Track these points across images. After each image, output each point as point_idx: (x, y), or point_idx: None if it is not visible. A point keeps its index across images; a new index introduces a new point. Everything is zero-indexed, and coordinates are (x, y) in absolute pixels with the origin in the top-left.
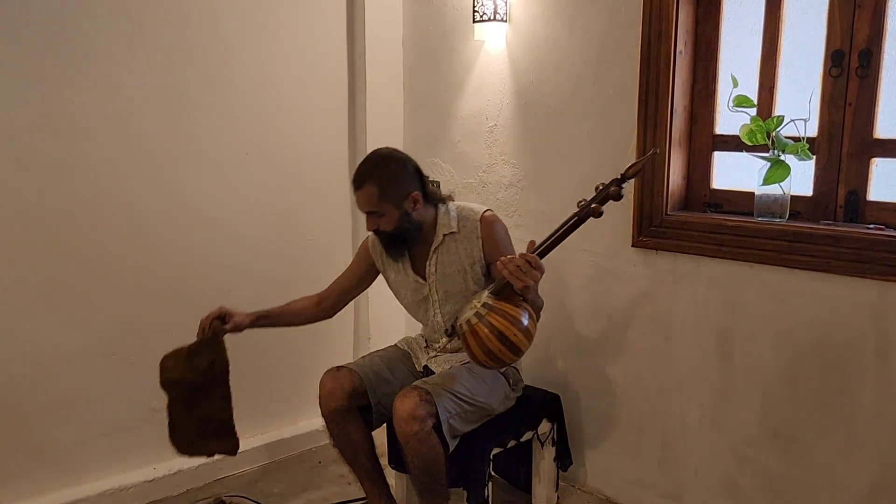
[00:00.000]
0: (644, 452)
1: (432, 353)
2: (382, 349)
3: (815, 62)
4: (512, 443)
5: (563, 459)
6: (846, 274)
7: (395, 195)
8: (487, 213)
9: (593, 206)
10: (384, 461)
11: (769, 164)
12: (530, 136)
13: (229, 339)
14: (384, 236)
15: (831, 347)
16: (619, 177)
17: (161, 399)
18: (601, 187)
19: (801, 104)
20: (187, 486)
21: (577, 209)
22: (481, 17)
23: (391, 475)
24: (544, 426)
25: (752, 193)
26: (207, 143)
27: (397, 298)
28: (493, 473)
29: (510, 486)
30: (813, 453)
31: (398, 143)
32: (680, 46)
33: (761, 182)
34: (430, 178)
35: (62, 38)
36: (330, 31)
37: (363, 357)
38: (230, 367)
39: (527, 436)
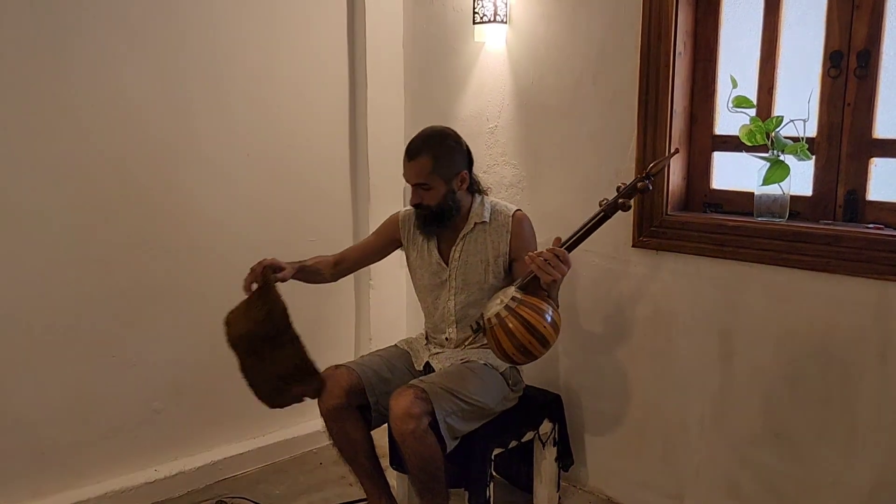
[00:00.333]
0: (645, 452)
1: (434, 350)
2: (382, 349)
3: (814, 63)
4: (513, 443)
5: (565, 460)
6: (846, 273)
7: (446, 170)
8: (519, 212)
9: (621, 200)
10: (385, 462)
11: (769, 165)
12: (530, 137)
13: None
14: (425, 211)
15: (832, 347)
16: (643, 174)
17: (162, 400)
18: (622, 186)
19: (800, 105)
20: (189, 488)
21: (599, 208)
22: (481, 18)
23: (392, 476)
24: (545, 426)
25: (752, 194)
26: (208, 144)
27: (413, 279)
28: (494, 474)
29: (511, 486)
30: (814, 453)
31: (399, 145)
32: (679, 47)
33: (761, 182)
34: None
35: (62, 38)
36: (331, 32)
37: (362, 356)
38: (289, 311)
39: (528, 436)
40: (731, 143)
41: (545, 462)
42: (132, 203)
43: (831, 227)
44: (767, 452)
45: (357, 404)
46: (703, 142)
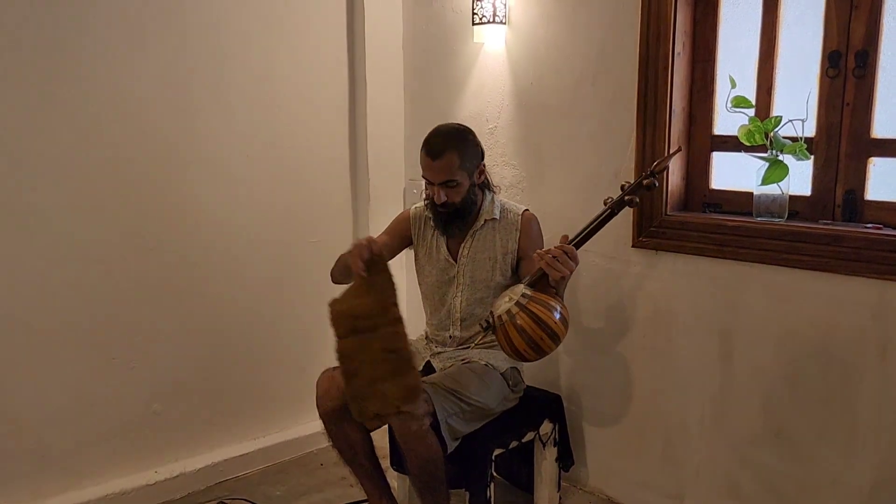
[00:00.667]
0: (645, 452)
1: (435, 349)
2: None
3: (813, 63)
4: (513, 443)
5: (565, 460)
6: (846, 273)
7: (470, 165)
8: (528, 212)
9: (628, 197)
10: (386, 463)
11: (768, 165)
12: (530, 138)
13: (226, 339)
14: (450, 209)
15: (832, 346)
16: (648, 171)
17: (162, 402)
18: (627, 185)
19: (798, 104)
20: (189, 490)
21: (604, 206)
22: (480, 19)
23: (393, 476)
24: (546, 427)
25: (751, 193)
26: (209, 144)
27: (419, 277)
28: (494, 474)
29: (512, 486)
30: (814, 452)
31: (398, 145)
32: (678, 48)
33: (760, 182)
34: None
35: (64, 39)
36: (330, 34)
37: None
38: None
39: (528, 436)
40: (730, 143)
41: (545, 462)
42: (133, 204)
43: (830, 226)
44: (767, 452)
45: None
46: (703, 142)
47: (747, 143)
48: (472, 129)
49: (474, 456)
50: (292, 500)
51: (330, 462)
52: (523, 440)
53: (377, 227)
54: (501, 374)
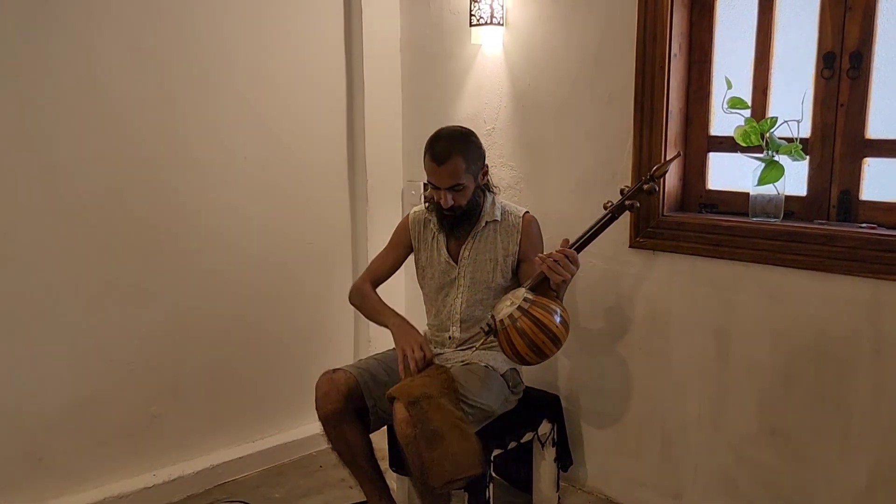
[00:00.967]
0: (643, 452)
1: (435, 350)
2: (381, 352)
3: (808, 64)
4: (512, 444)
5: (564, 460)
6: (840, 272)
7: (475, 167)
8: (529, 214)
9: (628, 202)
10: (385, 464)
11: (763, 165)
12: (528, 139)
13: (224, 341)
14: (457, 213)
15: (827, 345)
16: (647, 176)
17: (160, 404)
18: (626, 189)
19: (794, 105)
20: (188, 493)
21: (604, 210)
22: (478, 20)
23: (392, 478)
24: (544, 427)
25: (747, 194)
26: (205, 148)
27: (420, 280)
28: (493, 474)
29: (511, 486)
30: (810, 450)
31: (396, 147)
32: (675, 49)
33: (756, 182)
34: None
35: (53, 39)
36: (328, 35)
37: (360, 360)
38: None
39: (527, 437)
40: (727, 144)
41: (544, 462)
42: (130, 207)
43: (825, 226)
44: (764, 450)
45: (355, 408)
46: (699, 143)
47: (743, 144)
48: (473, 130)
49: None
50: (291, 503)
51: (329, 464)
52: (522, 440)
53: (375, 228)
54: (501, 375)
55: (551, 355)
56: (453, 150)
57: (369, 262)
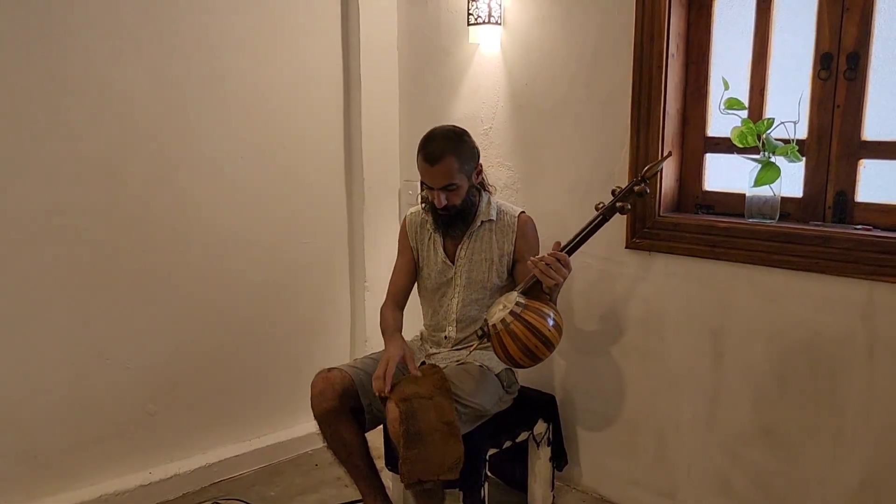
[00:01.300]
0: (638, 451)
1: (431, 350)
2: (377, 352)
3: (805, 65)
4: (507, 443)
5: (559, 459)
6: (835, 274)
7: (468, 166)
8: (524, 214)
9: (619, 204)
10: (381, 463)
11: (760, 166)
12: (525, 139)
13: (221, 340)
14: (451, 212)
15: (821, 346)
16: (638, 178)
17: (156, 402)
18: (618, 190)
19: (790, 107)
20: (183, 490)
21: (596, 212)
22: (476, 20)
23: (387, 477)
24: (539, 426)
25: (743, 195)
26: (203, 146)
27: (418, 280)
28: (488, 474)
29: (506, 486)
30: (803, 450)
31: (394, 146)
32: (672, 49)
33: (752, 184)
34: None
35: (55, 40)
36: (325, 34)
37: (356, 359)
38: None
39: (522, 436)
40: (723, 145)
41: (539, 462)
42: (125, 205)
43: (821, 228)
44: (757, 450)
45: (350, 407)
46: (696, 143)
47: (740, 145)
48: (467, 130)
49: (468, 456)
50: (287, 501)
51: (325, 462)
52: (517, 440)
53: (372, 227)
54: (496, 375)
55: (544, 359)
56: (446, 149)
57: (366, 261)
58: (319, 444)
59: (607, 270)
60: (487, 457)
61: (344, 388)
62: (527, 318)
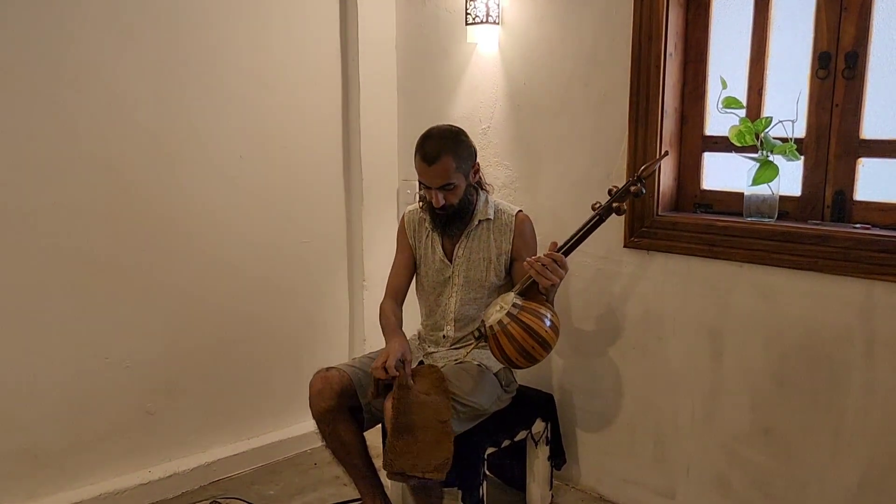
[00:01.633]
0: (637, 450)
1: (429, 349)
2: (375, 351)
3: (803, 64)
4: (506, 442)
5: (557, 458)
6: (834, 273)
7: (465, 165)
8: (522, 213)
9: (615, 204)
10: (379, 462)
11: (758, 165)
12: (523, 138)
13: (220, 339)
14: (449, 211)
15: (819, 345)
16: (634, 178)
17: (155, 401)
18: (615, 190)
19: (788, 105)
20: (183, 489)
21: (592, 212)
22: (474, 19)
23: (386, 476)
24: (538, 425)
25: (742, 194)
26: (202, 146)
27: (416, 277)
28: (487, 473)
29: (505, 485)
30: (802, 449)
31: (392, 145)
32: (670, 48)
33: (750, 182)
34: None
35: (55, 40)
36: (323, 34)
37: (355, 358)
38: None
39: (521, 435)
40: (721, 144)
41: (538, 461)
42: (125, 204)
43: (819, 227)
44: (756, 449)
45: (349, 406)
46: (694, 142)
47: (738, 144)
48: (465, 129)
49: (467, 455)
50: (286, 500)
51: (323, 461)
52: (516, 439)
53: (370, 227)
54: (494, 374)
55: (541, 359)
56: (443, 149)
57: (364, 260)
58: (318, 443)
59: (606, 270)
60: (486, 456)
61: (342, 388)
62: (523, 319)
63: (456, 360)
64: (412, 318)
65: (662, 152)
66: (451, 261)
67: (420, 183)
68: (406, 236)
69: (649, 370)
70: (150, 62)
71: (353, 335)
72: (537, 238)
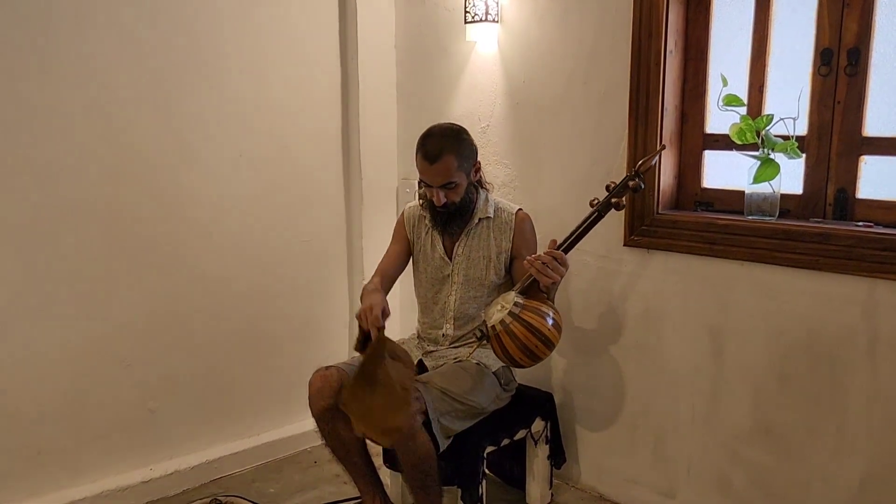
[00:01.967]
0: (637, 449)
1: (428, 347)
2: None
3: (805, 61)
4: (506, 441)
5: (557, 457)
6: (836, 271)
7: (467, 164)
8: (522, 211)
9: (613, 199)
10: (379, 461)
11: (759, 163)
12: (522, 137)
13: (220, 337)
14: (450, 209)
15: (821, 344)
16: (632, 172)
17: (157, 399)
18: (613, 185)
19: (790, 103)
20: (184, 487)
21: (590, 208)
22: (473, 17)
23: (386, 474)
24: (538, 424)
25: (743, 192)
26: (201, 145)
27: (415, 274)
28: (487, 471)
29: (504, 483)
30: (804, 449)
31: (391, 144)
32: (670, 46)
33: (751, 181)
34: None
35: (52, 40)
36: (322, 33)
37: (354, 357)
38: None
39: (520, 434)
40: (722, 142)
41: (537, 460)
42: (126, 204)
43: (821, 225)
44: (758, 449)
45: None
46: (694, 140)
47: (739, 142)
48: (465, 127)
49: (467, 453)
50: (286, 497)
51: (324, 459)
52: (515, 438)
53: (370, 225)
54: (493, 373)
55: (544, 358)
56: (444, 147)
57: (364, 260)
58: (318, 441)
59: (606, 268)
60: (485, 454)
61: (342, 386)
62: (526, 318)
63: (455, 359)
64: (412, 317)
65: (659, 146)
66: (450, 259)
67: (421, 181)
68: (404, 230)
69: (649, 369)
70: (150, 62)
71: (353, 334)
72: (537, 236)
